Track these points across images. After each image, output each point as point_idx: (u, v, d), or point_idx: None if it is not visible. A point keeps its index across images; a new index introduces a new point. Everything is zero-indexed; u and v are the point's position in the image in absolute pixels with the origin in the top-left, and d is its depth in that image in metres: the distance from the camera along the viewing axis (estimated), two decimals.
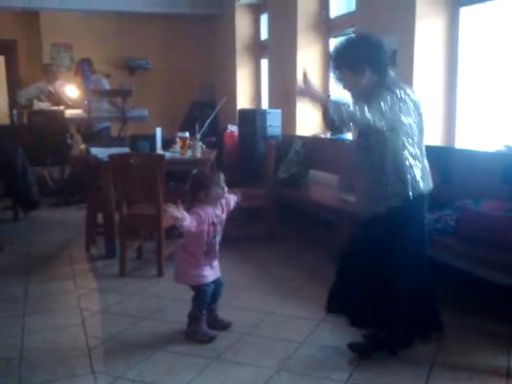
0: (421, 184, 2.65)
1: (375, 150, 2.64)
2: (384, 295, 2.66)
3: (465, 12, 4.32)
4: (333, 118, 2.49)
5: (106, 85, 7.24)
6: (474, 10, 4.29)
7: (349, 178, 4.96)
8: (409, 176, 2.62)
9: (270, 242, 4.94)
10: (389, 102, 2.54)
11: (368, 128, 2.55)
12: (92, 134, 6.80)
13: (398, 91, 2.60)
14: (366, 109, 2.47)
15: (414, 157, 2.65)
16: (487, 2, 4.14)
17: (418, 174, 2.65)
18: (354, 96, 2.75)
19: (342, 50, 2.73)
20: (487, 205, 3.27)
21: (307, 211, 5.34)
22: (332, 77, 2.82)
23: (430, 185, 2.74)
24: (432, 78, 4.33)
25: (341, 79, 2.75)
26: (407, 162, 2.63)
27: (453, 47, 4.39)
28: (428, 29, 4.38)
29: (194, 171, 3.23)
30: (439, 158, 3.66)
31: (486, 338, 2.96)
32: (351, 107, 2.50)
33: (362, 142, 2.74)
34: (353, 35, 2.85)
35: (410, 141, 2.63)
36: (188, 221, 2.82)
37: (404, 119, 2.58)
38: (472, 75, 4.34)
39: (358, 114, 2.47)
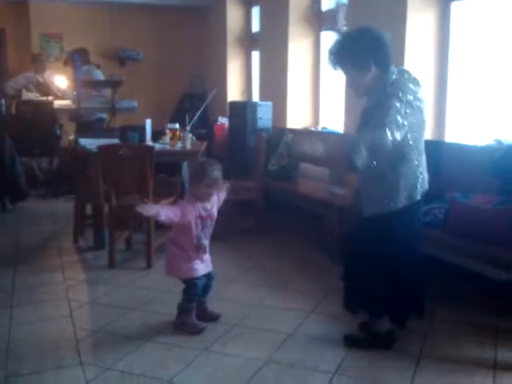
0: (420, 187, 2.65)
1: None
2: (378, 284, 2.68)
3: (456, 6, 4.32)
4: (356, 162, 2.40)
5: (99, 75, 7.17)
6: (465, 5, 4.30)
7: (339, 171, 4.97)
8: (414, 180, 2.62)
9: (260, 235, 4.94)
10: (402, 111, 2.45)
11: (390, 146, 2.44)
12: (85, 124, 6.73)
13: (401, 95, 2.50)
14: (383, 131, 2.38)
15: (418, 160, 2.63)
16: None
17: (421, 177, 2.65)
18: (356, 93, 2.73)
19: (344, 45, 2.64)
20: (476, 198, 3.29)
21: (297, 204, 5.34)
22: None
23: (427, 186, 2.72)
24: (423, 72, 4.32)
25: (343, 76, 2.71)
26: (414, 165, 2.61)
27: (444, 41, 4.40)
28: (419, 23, 4.38)
29: (185, 164, 3.21)
30: (429, 151, 3.65)
31: (474, 330, 2.98)
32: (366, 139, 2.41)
33: None
34: (353, 29, 2.73)
35: (416, 143, 2.59)
36: (169, 213, 2.81)
37: (412, 122, 2.51)
38: (463, 69, 4.35)
39: (378, 141, 2.40)
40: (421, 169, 2.66)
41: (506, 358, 2.67)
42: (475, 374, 2.54)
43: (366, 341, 2.80)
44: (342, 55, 2.64)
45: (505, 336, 2.89)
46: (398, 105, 2.46)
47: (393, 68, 2.65)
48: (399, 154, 2.56)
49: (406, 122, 2.47)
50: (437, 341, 2.83)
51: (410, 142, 2.56)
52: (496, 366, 2.60)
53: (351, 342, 2.82)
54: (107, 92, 6.79)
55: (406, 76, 2.63)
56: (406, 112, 2.47)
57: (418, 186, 2.64)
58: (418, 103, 2.56)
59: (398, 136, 2.44)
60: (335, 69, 2.72)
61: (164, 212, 2.83)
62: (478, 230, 3.06)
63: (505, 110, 4.03)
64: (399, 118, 2.44)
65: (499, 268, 3.20)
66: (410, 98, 2.52)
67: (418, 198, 2.65)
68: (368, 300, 2.76)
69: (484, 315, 3.16)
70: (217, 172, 2.97)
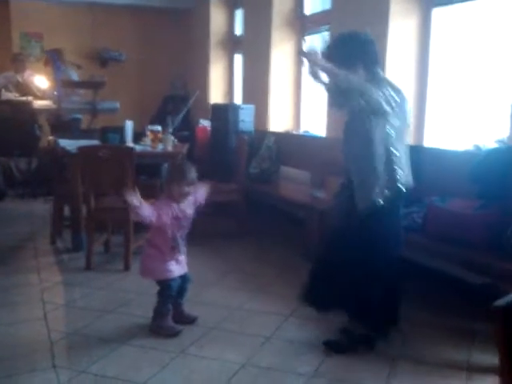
0: (402, 181, 2.66)
1: (363, 137, 2.62)
2: (366, 287, 2.67)
3: (437, 13, 4.36)
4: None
5: (74, 75, 7.10)
6: (447, 11, 4.33)
7: (320, 174, 4.98)
8: (395, 172, 2.63)
9: (240, 238, 4.91)
10: (374, 89, 2.53)
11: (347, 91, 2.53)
12: (61, 124, 6.65)
13: (385, 90, 2.58)
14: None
15: (400, 153, 2.65)
16: (459, 4, 4.19)
17: (401, 171, 2.65)
18: (337, 106, 2.75)
19: (333, 47, 2.69)
20: (454, 203, 3.31)
21: (278, 207, 5.33)
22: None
23: (410, 183, 2.73)
24: (403, 77, 4.35)
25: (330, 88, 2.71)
26: (394, 157, 2.62)
27: (424, 47, 4.43)
28: (401, 29, 4.41)
29: (165, 166, 3.19)
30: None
31: (449, 333, 3.00)
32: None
33: (349, 131, 2.73)
34: (342, 32, 2.78)
35: (396, 137, 2.62)
36: (146, 212, 2.79)
37: (388, 110, 2.56)
38: (443, 75, 4.38)
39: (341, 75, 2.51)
40: (399, 165, 2.66)
41: (480, 361, 2.69)
42: (450, 377, 2.56)
43: (346, 346, 2.78)
44: (331, 58, 2.65)
45: (479, 339, 2.91)
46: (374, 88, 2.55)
47: (379, 71, 2.68)
48: (380, 144, 2.60)
49: (377, 98, 2.53)
50: (413, 343, 2.83)
51: (392, 136, 2.61)
52: (470, 369, 2.62)
53: (331, 347, 2.80)
54: (82, 91, 6.72)
55: (389, 87, 2.65)
56: (386, 99, 2.54)
57: (396, 183, 2.64)
58: (398, 108, 2.61)
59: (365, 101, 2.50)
60: (316, 81, 2.74)
61: (148, 208, 2.81)
62: (455, 235, 3.08)
63: (484, 116, 4.06)
64: (368, 87, 2.53)
65: (475, 272, 3.22)
66: (392, 95, 2.58)
67: (398, 192, 2.65)
68: (352, 302, 2.73)
69: (460, 318, 3.18)
70: (194, 173, 2.97)
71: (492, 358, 2.58)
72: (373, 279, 2.67)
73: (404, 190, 2.67)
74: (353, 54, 2.64)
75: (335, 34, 2.86)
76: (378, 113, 2.57)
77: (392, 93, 2.62)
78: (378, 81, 2.65)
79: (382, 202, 2.62)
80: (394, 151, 2.64)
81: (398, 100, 2.62)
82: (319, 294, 2.86)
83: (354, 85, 2.53)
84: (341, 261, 2.74)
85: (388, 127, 2.60)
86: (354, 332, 2.78)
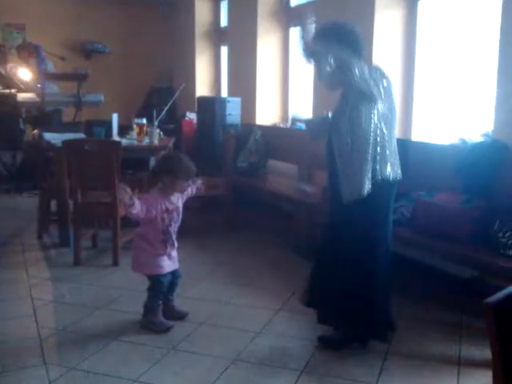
0: (390, 170, 2.63)
1: (349, 123, 2.59)
2: (364, 288, 2.66)
3: (423, 5, 4.38)
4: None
5: (50, 66, 7.01)
6: (432, 4, 4.35)
7: (307, 168, 5.00)
8: (383, 161, 2.60)
9: (228, 232, 4.92)
10: (366, 71, 2.52)
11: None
12: (42, 116, 6.56)
13: (374, 73, 2.59)
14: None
15: (388, 141, 2.63)
16: None
17: (388, 160, 2.63)
18: (327, 86, 2.73)
19: (317, 38, 2.66)
20: (440, 197, 3.34)
21: (266, 201, 5.34)
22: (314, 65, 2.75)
23: (399, 174, 2.69)
24: (390, 71, 4.35)
25: (315, 68, 2.71)
26: (381, 146, 2.60)
27: (411, 40, 4.45)
28: (387, 21, 4.42)
29: (152, 159, 3.15)
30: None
31: (439, 326, 3.02)
32: None
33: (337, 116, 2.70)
34: (327, 23, 2.76)
35: (383, 125, 2.60)
36: (137, 208, 2.79)
37: (376, 94, 2.55)
38: (429, 69, 4.41)
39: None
40: (387, 153, 2.64)
41: (470, 354, 2.72)
42: (441, 371, 2.58)
43: (341, 341, 2.78)
44: (314, 49, 2.64)
45: (468, 332, 2.94)
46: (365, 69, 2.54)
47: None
48: (367, 129, 2.58)
49: (367, 80, 2.52)
50: (403, 338, 2.86)
51: (380, 122, 2.60)
52: (460, 362, 2.64)
53: (326, 342, 2.80)
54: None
55: (378, 73, 2.65)
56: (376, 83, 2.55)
57: (384, 170, 2.61)
58: (385, 94, 2.61)
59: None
60: (309, 62, 2.73)
61: (139, 205, 2.80)
62: (443, 229, 3.12)
63: (469, 110, 4.10)
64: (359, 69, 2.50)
65: (463, 265, 3.26)
66: (379, 82, 2.60)
67: (385, 183, 2.62)
68: (348, 312, 2.73)
69: (449, 312, 3.21)
70: (193, 166, 2.98)
71: (482, 352, 2.66)
72: (367, 280, 2.66)
73: (391, 180, 2.62)
74: (338, 43, 2.60)
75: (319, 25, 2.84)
76: (365, 96, 2.54)
77: (381, 78, 2.62)
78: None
79: (366, 193, 2.55)
80: (382, 139, 2.60)
81: (385, 85, 2.62)
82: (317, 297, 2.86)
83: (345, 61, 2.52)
84: (335, 261, 2.71)
85: (375, 113, 2.57)
86: (350, 328, 2.78)
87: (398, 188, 2.76)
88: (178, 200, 3.00)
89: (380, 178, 2.59)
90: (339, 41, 2.62)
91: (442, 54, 4.30)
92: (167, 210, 2.92)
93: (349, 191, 2.59)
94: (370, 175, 2.57)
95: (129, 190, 2.78)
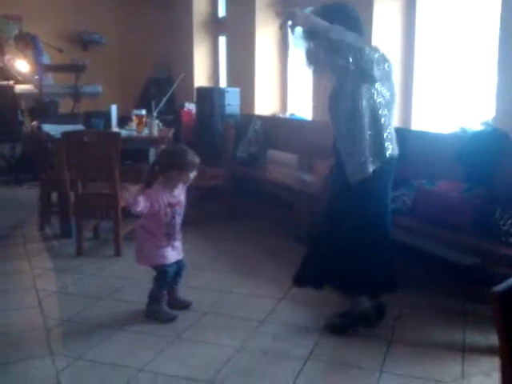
0: (391, 150, 2.68)
1: (349, 104, 2.60)
2: (363, 255, 2.71)
3: None
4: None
5: (46, 58, 6.98)
6: None
7: (307, 157, 5.01)
8: (383, 141, 2.63)
9: (229, 222, 4.93)
10: (366, 52, 2.51)
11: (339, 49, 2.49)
12: (39, 108, 6.55)
13: (376, 54, 2.59)
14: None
15: (388, 123, 2.66)
16: None
17: (390, 137, 2.67)
18: (318, 70, 2.74)
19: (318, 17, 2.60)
20: (441, 185, 3.36)
21: (266, 191, 5.35)
22: (305, 50, 2.72)
23: (397, 151, 2.74)
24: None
25: (316, 51, 2.68)
26: (381, 127, 2.63)
27: (410, 29, 4.45)
28: (386, 10, 4.41)
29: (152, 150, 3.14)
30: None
31: (442, 314, 3.05)
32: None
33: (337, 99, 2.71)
34: (326, 3, 2.72)
35: (383, 106, 2.62)
36: (141, 206, 2.80)
37: (377, 75, 2.55)
38: (429, 57, 4.41)
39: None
40: (389, 132, 2.69)
41: (475, 341, 2.75)
42: (445, 358, 2.59)
43: (347, 326, 2.81)
44: (313, 29, 2.59)
45: (472, 319, 2.96)
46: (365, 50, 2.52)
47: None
48: (368, 110, 2.60)
49: (366, 61, 2.51)
50: (407, 325, 2.88)
51: (381, 102, 2.61)
52: (465, 349, 2.67)
53: (332, 329, 2.83)
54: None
55: (377, 54, 2.63)
56: (374, 63, 2.54)
57: (387, 149, 2.66)
58: (385, 78, 2.63)
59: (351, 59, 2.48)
60: (308, 45, 2.70)
61: (142, 202, 2.81)
62: (444, 217, 3.13)
63: (469, 98, 4.11)
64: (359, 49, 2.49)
65: (465, 253, 3.28)
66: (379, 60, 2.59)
67: (387, 158, 2.66)
68: (346, 277, 2.75)
69: (452, 299, 3.23)
70: (197, 158, 2.98)
71: (486, 339, 2.69)
72: (369, 247, 2.71)
73: (393, 157, 2.69)
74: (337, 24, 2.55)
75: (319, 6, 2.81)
76: (367, 77, 2.54)
77: (383, 60, 2.61)
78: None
79: (371, 172, 2.61)
80: (382, 121, 2.62)
81: (386, 69, 2.63)
82: (312, 273, 2.88)
83: (347, 38, 2.47)
84: (335, 235, 2.76)
85: (375, 94, 2.59)
86: (354, 312, 2.81)
87: (396, 172, 2.82)
88: (180, 193, 3.01)
89: (382, 158, 2.63)
90: (342, 21, 2.58)
91: (441, 43, 4.31)
92: (170, 204, 2.93)
93: (353, 172, 2.65)
94: (372, 155, 2.61)
95: (131, 188, 2.78)
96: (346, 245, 2.72)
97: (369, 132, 2.61)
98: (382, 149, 2.64)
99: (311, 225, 3.11)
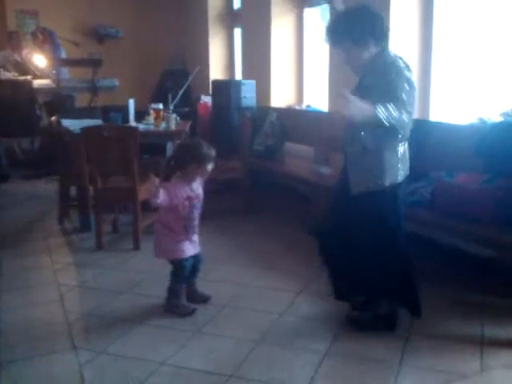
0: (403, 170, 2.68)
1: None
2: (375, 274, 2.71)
3: None
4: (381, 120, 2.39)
5: (62, 53, 7.04)
6: None
7: (324, 150, 4.99)
8: (400, 161, 2.65)
9: (246, 215, 4.95)
10: (407, 89, 2.48)
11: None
12: (57, 102, 6.61)
13: (407, 73, 2.55)
14: (394, 109, 2.40)
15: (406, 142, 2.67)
16: None
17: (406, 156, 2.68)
18: (354, 70, 2.71)
19: (343, 21, 2.64)
20: (461, 177, 3.33)
21: (283, 183, 5.35)
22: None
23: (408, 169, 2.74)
24: (406, 51, 4.33)
25: (341, 53, 2.69)
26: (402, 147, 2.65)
27: (428, 19, 4.39)
28: (404, 0, 4.37)
29: (169, 144, 3.15)
30: (413, 130, 3.70)
31: (461, 307, 3.04)
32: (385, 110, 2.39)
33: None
34: (351, 7, 2.72)
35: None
36: (161, 198, 2.82)
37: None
38: (447, 48, 4.36)
39: (394, 116, 2.40)
40: (406, 151, 2.70)
41: (493, 335, 2.74)
42: (464, 352, 2.59)
43: (369, 321, 2.81)
44: (342, 32, 2.63)
45: (490, 312, 2.95)
46: (405, 85, 2.49)
47: (390, 50, 2.67)
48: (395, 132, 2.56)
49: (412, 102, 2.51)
50: (425, 318, 2.86)
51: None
52: (483, 343, 2.66)
53: (354, 322, 2.84)
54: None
55: (401, 62, 2.62)
56: (411, 92, 2.52)
57: (401, 166, 2.66)
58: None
59: (408, 120, 2.47)
60: (333, 46, 2.74)
61: (162, 195, 2.83)
62: (464, 209, 3.11)
63: (488, 88, 4.06)
64: (406, 97, 2.47)
65: (484, 246, 3.26)
66: (410, 76, 2.57)
67: (401, 179, 2.67)
68: (365, 284, 2.76)
69: (469, 292, 3.22)
70: (213, 150, 3.00)
71: (505, 332, 2.67)
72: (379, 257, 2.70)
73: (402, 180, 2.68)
74: (364, 28, 2.60)
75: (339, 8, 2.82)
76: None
77: (407, 73, 2.58)
78: (395, 62, 2.60)
79: (377, 189, 2.61)
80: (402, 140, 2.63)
81: (413, 82, 2.59)
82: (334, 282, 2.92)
83: (402, 123, 2.47)
84: (348, 241, 2.75)
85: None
86: (378, 309, 2.80)
87: (415, 165, 2.82)
88: (198, 187, 3.03)
89: (393, 177, 2.64)
90: (369, 25, 2.61)
91: (460, 32, 4.25)
92: (189, 197, 2.95)
93: (357, 185, 2.66)
94: (383, 172, 2.61)
95: (156, 180, 2.80)
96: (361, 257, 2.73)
97: (386, 146, 2.61)
98: (395, 169, 2.64)
99: (322, 220, 3.08)
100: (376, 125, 2.43)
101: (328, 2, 2.95)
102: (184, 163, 2.93)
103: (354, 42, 2.61)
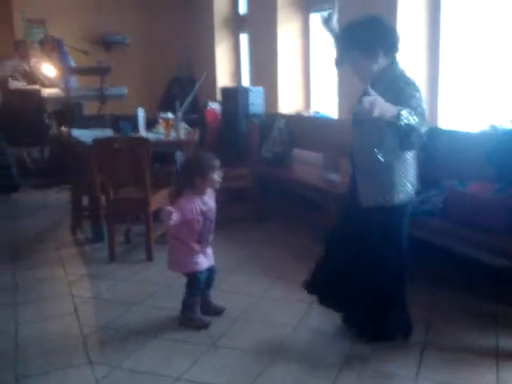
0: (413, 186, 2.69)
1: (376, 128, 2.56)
2: (377, 290, 2.72)
3: None
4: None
5: (71, 62, 7.07)
6: None
7: (333, 156, 4.99)
8: (413, 176, 2.67)
9: (256, 223, 4.96)
10: (418, 98, 2.49)
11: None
12: (66, 111, 6.64)
13: (415, 82, 2.56)
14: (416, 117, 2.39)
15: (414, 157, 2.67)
16: None
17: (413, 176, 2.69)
18: (362, 81, 2.69)
19: (353, 31, 2.62)
20: (473, 186, 3.33)
21: (292, 191, 5.35)
22: (336, 60, 2.78)
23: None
24: (414, 58, 4.33)
25: (349, 63, 2.68)
26: (411, 160, 2.65)
27: (435, 24, 4.39)
28: (411, 5, 4.36)
29: (178, 153, 3.17)
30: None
31: (474, 317, 3.03)
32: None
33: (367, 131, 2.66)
34: (362, 17, 2.67)
35: None
36: (175, 220, 2.84)
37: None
38: (455, 53, 4.35)
39: (416, 124, 2.38)
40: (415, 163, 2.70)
41: (507, 345, 2.73)
42: (479, 364, 2.58)
43: (385, 332, 2.80)
44: (351, 42, 2.63)
45: (505, 322, 2.94)
46: (417, 94, 2.50)
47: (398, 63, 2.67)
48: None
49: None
50: (438, 330, 2.87)
51: None
52: (499, 354, 2.65)
53: (369, 334, 2.82)
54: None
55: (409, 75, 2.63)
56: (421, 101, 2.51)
57: (414, 183, 2.68)
58: None
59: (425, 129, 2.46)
60: (341, 56, 2.74)
61: (175, 217, 2.85)
62: (477, 218, 3.11)
63: (499, 95, 4.05)
64: (422, 106, 2.48)
65: (497, 255, 3.25)
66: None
67: (410, 196, 2.67)
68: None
69: (483, 301, 3.21)
70: (215, 159, 3.03)
71: None
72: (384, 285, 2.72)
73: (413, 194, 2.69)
74: (374, 39, 2.58)
75: (347, 15, 2.81)
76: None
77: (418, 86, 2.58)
78: (403, 74, 2.61)
79: (386, 204, 2.61)
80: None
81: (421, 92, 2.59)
82: (323, 287, 2.95)
83: (419, 128, 2.44)
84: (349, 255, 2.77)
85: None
86: (394, 319, 2.78)
87: (421, 178, 2.80)
88: (210, 199, 3.04)
89: (403, 191, 2.65)
90: (380, 34, 2.60)
91: (469, 37, 4.24)
92: (202, 211, 2.97)
93: (367, 198, 2.66)
94: (393, 185, 2.61)
95: (172, 209, 2.83)
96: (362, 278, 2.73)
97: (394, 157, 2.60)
98: (405, 182, 2.64)
99: (329, 230, 3.09)
100: (394, 126, 2.40)
101: (323, 23, 2.94)
102: (190, 179, 2.96)
103: (362, 51, 2.60)
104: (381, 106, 2.32)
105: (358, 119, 2.64)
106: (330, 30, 2.93)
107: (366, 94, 2.59)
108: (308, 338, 2.90)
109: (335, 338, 2.87)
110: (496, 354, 2.66)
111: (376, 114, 2.30)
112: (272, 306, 3.29)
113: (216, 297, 3.25)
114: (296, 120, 5.85)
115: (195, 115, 7.09)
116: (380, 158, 2.55)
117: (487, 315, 3.04)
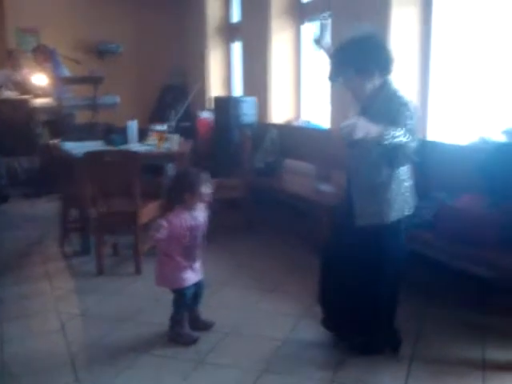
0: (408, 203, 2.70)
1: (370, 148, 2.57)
2: (370, 305, 2.72)
3: (439, 2, 4.31)
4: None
5: (65, 71, 7.04)
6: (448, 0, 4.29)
7: (325, 167, 4.97)
8: (408, 193, 2.68)
9: (247, 233, 4.93)
10: (411, 116, 2.49)
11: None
12: (57, 121, 6.61)
13: (408, 101, 2.56)
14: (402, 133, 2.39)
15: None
16: None
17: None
18: (357, 99, 2.70)
19: (349, 49, 2.60)
20: (464, 199, 3.31)
21: (284, 201, 5.33)
22: (330, 75, 2.77)
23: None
24: (405, 69, 4.32)
25: (343, 80, 2.67)
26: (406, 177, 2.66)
27: (426, 37, 4.39)
28: (403, 16, 4.36)
29: (170, 165, 3.16)
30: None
31: (462, 329, 3.03)
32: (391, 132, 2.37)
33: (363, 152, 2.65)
34: (357, 34, 2.65)
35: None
36: (163, 234, 2.84)
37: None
38: (445, 65, 4.35)
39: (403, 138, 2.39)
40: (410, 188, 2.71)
41: (495, 357, 2.74)
42: (466, 376, 2.60)
43: (374, 346, 2.81)
44: (346, 60, 2.61)
45: (492, 334, 2.95)
46: (408, 113, 2.49)
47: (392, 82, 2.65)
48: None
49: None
50: (427, 342, 2.87)
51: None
52: (486, 366, 2.66)
53: (359, 347, 2.82)
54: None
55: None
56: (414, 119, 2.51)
57: (410, 200, 2.68)
58: None
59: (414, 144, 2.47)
60: (335, 74, 2.73)
61: (164, 231, 2.86)
62: (468, 233, 3.08)
63: (487, 106, 4.04)
64: (412, 123, 2.48)
65: (488, 268, 3.24)
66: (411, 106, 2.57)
67: (406, 213, 2.68)
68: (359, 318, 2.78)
69: (472, 314, 3.20)
70: (205, 173, 3.02)
71: (507, 354, 2.66)
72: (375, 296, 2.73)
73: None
74: (370, 58, 2.57)
75: (340, 26, 2.81)
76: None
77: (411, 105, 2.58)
78: (396, 92, 2.61)
79: (381, 223, 2.62)
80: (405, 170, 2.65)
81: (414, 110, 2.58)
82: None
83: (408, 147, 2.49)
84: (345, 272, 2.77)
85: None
86: (383, 333, 2.79)
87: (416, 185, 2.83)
88: (200, 214, 3.02)
89: (403, 204, 2.67)
90: (375, 52, 2.60)
91: (459, 49, 4.24)
92: (191, 227, 2.94)
93: (363, 217, 2.65)
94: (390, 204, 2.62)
95: (164, 223, 2.84)
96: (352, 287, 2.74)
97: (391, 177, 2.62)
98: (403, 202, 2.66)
99: (325, 246, 3.07)
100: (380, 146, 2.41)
101: (315, 43, 2.94)
102: (180, 194, 2.94)
103: (357, 70, 2.58)
104: (363, 127, 2.31)
105: (348, 142, 2.63)
106: (323, 47, 2.93)
107: (360, 113, 2.59)
108: (297, 351, 2.88)
109: (324, 351, 2.86)
110: (483, 366, 2.66)
111: (359, 135, 2.29)
112: (261, 320, 3.26)
113: (205, 310, 3.21)
114: (288, 130, 5.83)
115: (187, 123, 7.07)
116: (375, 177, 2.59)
117: (475, 327, 3.04)
